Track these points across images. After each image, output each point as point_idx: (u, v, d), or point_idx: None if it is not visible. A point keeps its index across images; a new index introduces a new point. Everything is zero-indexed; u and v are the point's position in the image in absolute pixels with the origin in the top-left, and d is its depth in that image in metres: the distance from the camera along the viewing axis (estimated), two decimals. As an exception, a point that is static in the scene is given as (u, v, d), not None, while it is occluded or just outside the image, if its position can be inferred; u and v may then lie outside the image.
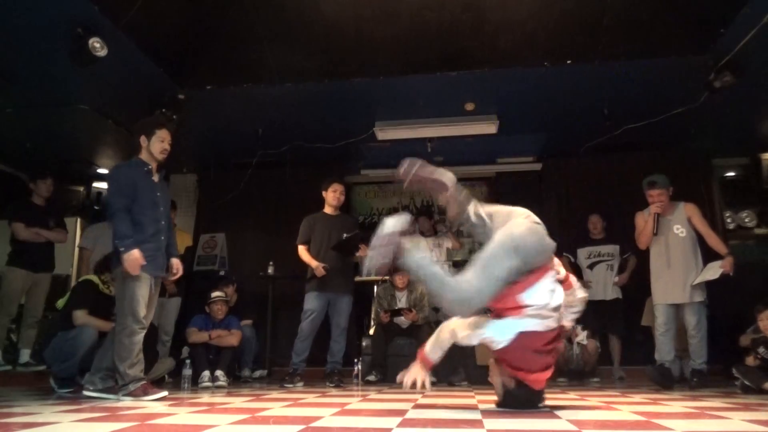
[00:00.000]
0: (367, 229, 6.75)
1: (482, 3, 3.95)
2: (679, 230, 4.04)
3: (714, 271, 3.88)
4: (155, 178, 3.27)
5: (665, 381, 3.81)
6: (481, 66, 4.39)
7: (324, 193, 4.49)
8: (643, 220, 4.13)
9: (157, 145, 3.21)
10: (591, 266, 5.30)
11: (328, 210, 4.49)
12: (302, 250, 4.38)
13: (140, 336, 3.04)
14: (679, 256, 4.00)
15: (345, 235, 4.27)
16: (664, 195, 4.06)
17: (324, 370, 4.35)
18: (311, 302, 4.28)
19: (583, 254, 5.38)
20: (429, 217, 5.97)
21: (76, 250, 5.72)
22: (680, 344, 4.33)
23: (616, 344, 5.15)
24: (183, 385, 4.03)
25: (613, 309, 5.11)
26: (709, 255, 4.07)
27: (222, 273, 6.12)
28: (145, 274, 3.06)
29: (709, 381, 3.97)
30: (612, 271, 5.21)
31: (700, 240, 4.07)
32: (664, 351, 3.97)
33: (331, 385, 4.12)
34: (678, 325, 4.12)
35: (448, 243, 5.84)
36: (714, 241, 3.97)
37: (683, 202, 4.14)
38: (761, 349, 3.62)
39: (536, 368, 2.20)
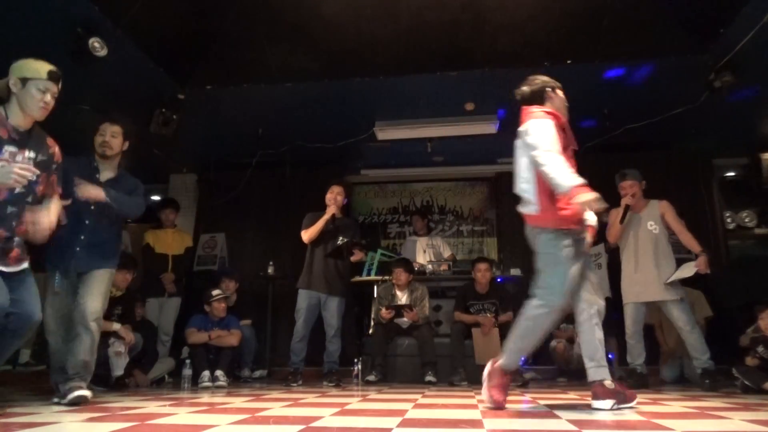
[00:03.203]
0: (368, 229, 6.87)
1: (482, 3, 3.95)
2: (652, 227, 3.96)
3: (689, 269, 3.80)
4: (101, 175, 3.00)
5: (640, 384, 3.78)
6: (481, 66, 4.39)
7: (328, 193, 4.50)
8: (616, 214, 4.04)
9: (97, 138, 3.01)
10: None
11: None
12: (307, 230, 4.39)
13: None
14: (649, 252, 3.91)
15: (341, 238, 4.33)
16: (635, 187, 3.98)
17: (322, 370, 4.36)
18: (301, 300, 4.37)
19: None
20: (422, 217, 6.00)
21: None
22: (678, 344, 4.32)
23: (613, 344, 5.15)
24: (183, 385, 4.04)
25: (607, 309, 5.10)
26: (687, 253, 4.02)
27: (226, 265, 6.14)
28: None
29: (721, 379, 3.78)
30: (600, 269, 5.23)
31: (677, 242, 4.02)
32: (635, 353, 3.94)
33: (330, 384, 4.13)
34: (671, 325, 4.10)
35: (440, 242, 5.89)
36: (687, 239, 3.87)
37: (658, 200, 4.05)
38: (760, 348, 3.62)
39: None
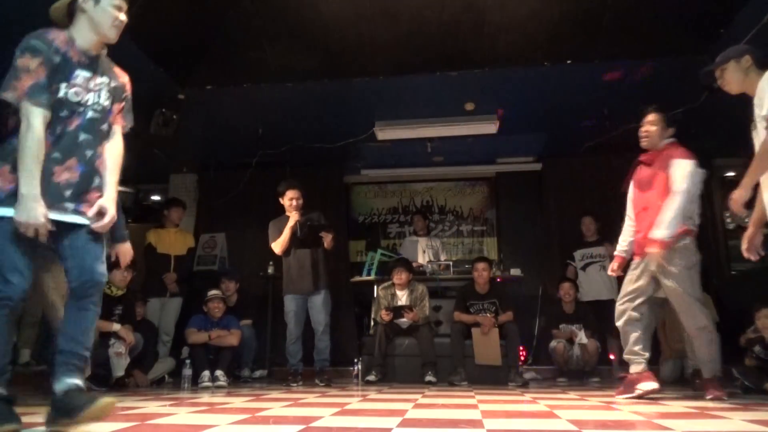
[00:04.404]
0: (368, 229, 6.86)
1: (482, 3, 3.94)
2: None
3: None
4: None
5: None
6: (481, 66, 4.39)
7: (281, 199, 4.50)
8: None
9: None
10: (584, 267, 5.34)
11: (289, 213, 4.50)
12: (276, 242, 4.41)
13: None
14: None
15: (302, 232, 4.33)
16: None
17: (314, 369, 4.37)
18: (288, 303, 4.38)
19: (577, 256, 5.45)
20: (423, 217, 6.01)
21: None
22: (680, 343, 4.31)
23: (614, 344, 5.16)
24: (183, 385, 4.04)
25: (608, 309, 5.12)
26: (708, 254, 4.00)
27: (226, 265, 6.14)
28: None
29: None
30: (605, 271, 5.23)
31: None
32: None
33: (321, 384, 4.15)
34: (674, 325, 4.09)
35: (438, 245, 5.90)
36: None
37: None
38: (756, 348, 3.62)
39: None
